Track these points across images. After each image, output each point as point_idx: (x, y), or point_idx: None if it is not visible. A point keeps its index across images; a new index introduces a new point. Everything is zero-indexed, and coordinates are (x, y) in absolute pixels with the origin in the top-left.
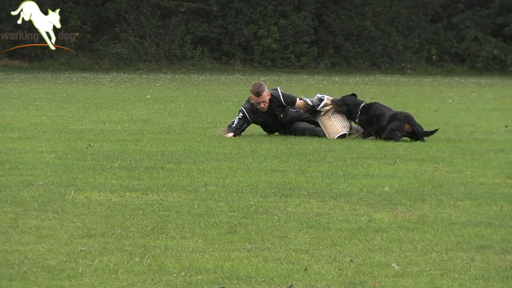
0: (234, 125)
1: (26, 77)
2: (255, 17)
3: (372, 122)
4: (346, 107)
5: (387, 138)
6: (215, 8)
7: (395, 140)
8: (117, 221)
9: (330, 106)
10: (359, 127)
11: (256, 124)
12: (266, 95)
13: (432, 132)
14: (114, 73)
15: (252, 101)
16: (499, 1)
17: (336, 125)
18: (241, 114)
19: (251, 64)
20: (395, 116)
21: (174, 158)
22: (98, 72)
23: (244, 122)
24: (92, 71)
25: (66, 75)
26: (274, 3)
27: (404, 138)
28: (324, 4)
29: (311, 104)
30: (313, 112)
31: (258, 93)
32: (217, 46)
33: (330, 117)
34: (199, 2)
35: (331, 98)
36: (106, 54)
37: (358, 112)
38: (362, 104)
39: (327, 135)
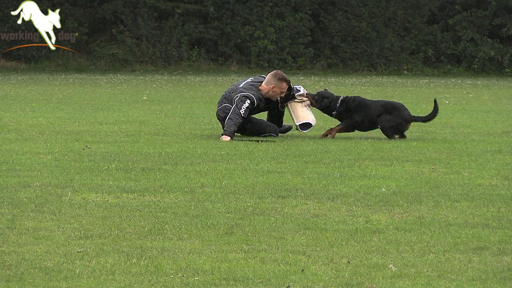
0: (242, 114)
1: (23, 78)
2: (251, 18)
3: (353, 113)
4: (327, 99)
5: (389, 136)
6: (212, 10)
7: (391, 138)
8: (114, 222)
9: (306, 99)
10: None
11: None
12: None
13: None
14: (110, 74)
15: (274, 90)
16: (495, 2)
17: (307, 113)
18: (248, 101)
19: (247, 65)
20: (392, 108)
21: (171, 159)
22: (94, 73)
23: (249, 112)
24: (88, 72)
25: (63, 76)
26: (270, 4)
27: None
28: (320, 5)
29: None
30: (285, 100)
31: (289, 82)
32: (214, 47)
33: (303, 106)
34: (195, 4)
35: (306, 91)
36: (102, 56)
37: (336, 105)
38: (341, 98)
39: (294, 119)
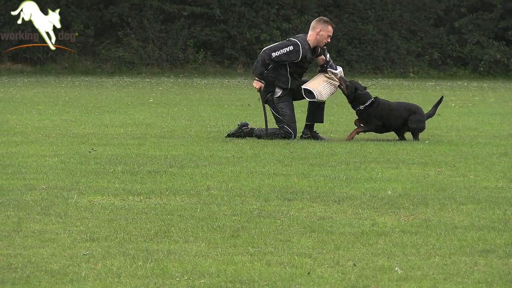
0: (274, 56)
1: (29, 81)
2: (257, 21)
3: (377, 118)
4: (360, 91)
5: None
6: (218, 12)
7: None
8: (120, 225)
9: (336, 81)
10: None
11: (292, 66)
12: None
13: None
14: (116, 77)
15: (321, 34)
16: (501, 5)
17: (321, 86)
18: (291, 47)
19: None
20: (415, 110)
21: (177, 162)
22: (100, 76)
23: (285, 60)
24: (94, 75)
25: (69, 79)
26: (276, 7)
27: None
28: (326, 8)
29: (328, 60)
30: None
31: (334, 28)
32: (220, 50)
33: (326, 81)
34: (201, 6)
35: (342, 75)
36: (108, 58)
37: (366, 102)
38: (372, 99)
39: (307, 82)
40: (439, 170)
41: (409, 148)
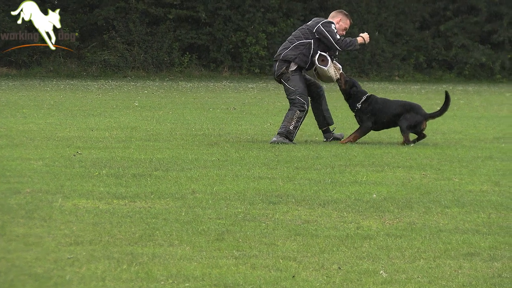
0: (338, 37)
1: (14, 84)
2: (243, 24)
3: (373, 114)
4: (356, 88)
5: (405, 140)
6: (203, 15)
7: (407, 144)
8: (105, 228)
9: (338, 75)
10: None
11: (316, 49)
12: None
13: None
14: (102, 80)
15: (340, 24)
16: (486, 9)
17: (330, 66)
18: (333, 25)
19: (239, 71)
20: (410, 108)
21: (162, 165)
22: (86, 79)
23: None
24: (80, 78)
25: (54, 82)
26: (262, 10)
27: (392, 142)
28: (312, 11)
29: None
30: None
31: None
32: (205, 53)
33: (332, 67)
34: (187, 9)
35: (341, 71)
36: (94, 61)
37: (361, 99)
38: (367, 94)
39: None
40: (424, 173)
41: (394, 151)
